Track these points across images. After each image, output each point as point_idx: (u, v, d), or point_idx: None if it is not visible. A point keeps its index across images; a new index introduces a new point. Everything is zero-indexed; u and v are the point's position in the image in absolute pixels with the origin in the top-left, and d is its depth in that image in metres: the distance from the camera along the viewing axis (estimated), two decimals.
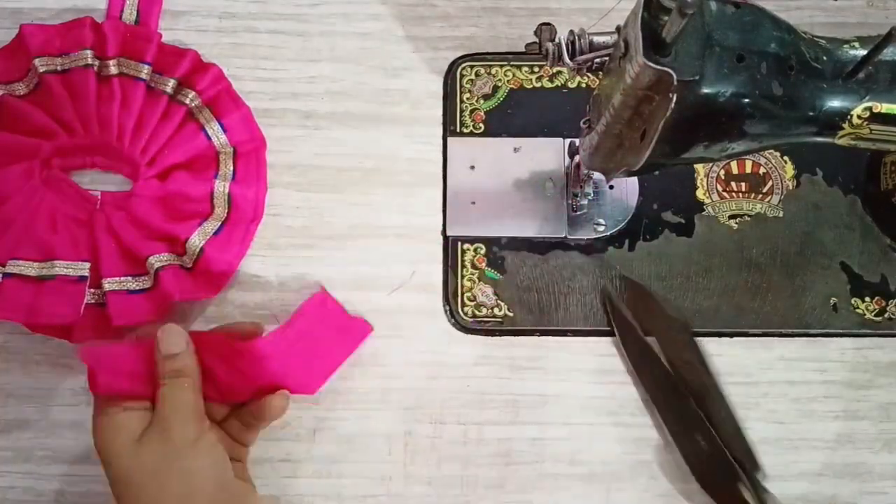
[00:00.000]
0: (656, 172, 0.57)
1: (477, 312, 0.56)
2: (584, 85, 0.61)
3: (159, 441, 0.44)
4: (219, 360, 0.48)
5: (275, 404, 0.49)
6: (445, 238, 0.58)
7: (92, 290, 0.53)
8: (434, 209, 0.58)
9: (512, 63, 0.62)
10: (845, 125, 0.44)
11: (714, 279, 0.57)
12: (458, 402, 0.54)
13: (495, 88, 0.61)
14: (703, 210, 0.59)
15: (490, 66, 0.61)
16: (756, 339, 0.56)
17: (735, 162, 0.60)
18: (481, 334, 0.56)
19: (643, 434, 0.54)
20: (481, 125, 0.60)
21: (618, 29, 0.42)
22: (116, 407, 0.45)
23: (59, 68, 0.58)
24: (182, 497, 0.43)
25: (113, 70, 0.58)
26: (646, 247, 0.58)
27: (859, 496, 0.53)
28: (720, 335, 0.56)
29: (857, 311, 0.56)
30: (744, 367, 0.56)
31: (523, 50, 0.49)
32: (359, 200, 0.59)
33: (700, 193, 0.59)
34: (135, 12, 0.61)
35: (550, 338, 0.56)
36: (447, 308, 0.56)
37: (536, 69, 0.61)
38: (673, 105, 0.39)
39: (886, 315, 0.56)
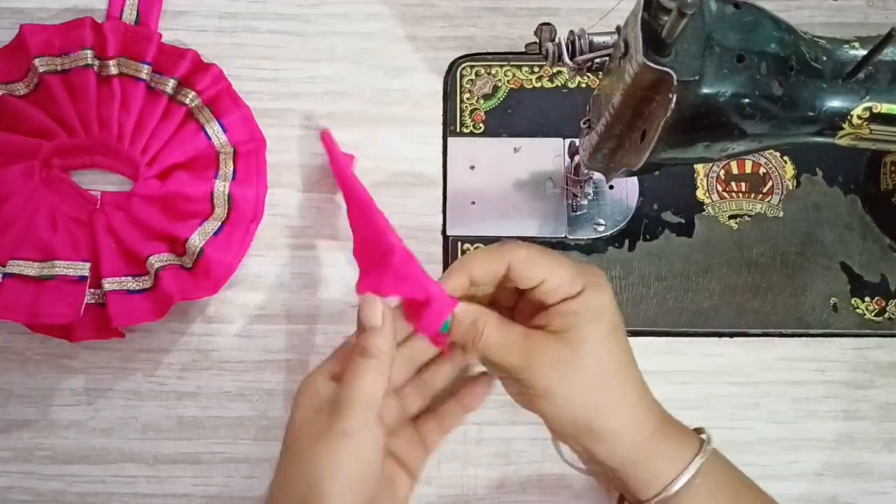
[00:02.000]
0: (656, 172, 0.57)
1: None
2: (584, 85, 0.61)
3: (325, 420, 0.41)
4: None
5: (478, 390, 0.47)
6: (445, 238, 0.58)
7: (92, 290, 0.53)
8: (434, 209, 0.58)
9: (512, 63, 0.62)
10: (845, 125, 0.44)
11: (714, 279, 0.57)
12: None
13: (495, 88, 0.61)
14: (703, 210, 0.59)
15: (490, 66, 0.61)
16: (756, 339, 0.56)
17: (735, 162, 0.60)
18: None
19: None
20: (481, 125, 0.60)
21: (618, 29, 0.42)
22: (321, 371, 0.43)
23: (59, 68, 0.58)
24: (308, 483, 0.40)
25: (113, 70, 0.58)
26: (646, 247, 0.58)
27: (859, 496, 0.53)
28: (720, 335, 0.56)
29: (857, 311, 0.56)
30: (744, 367, 0.56)
31: (523, 50, 0.49)
32: None
33: (700, 193, 0.59)
34: (135, 12, 0.61)
35: None
36: None
37: (536, 69, 0.61)
38: (673, 105, 0.39)
39: (886, 315, 0.56)
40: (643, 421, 0.43)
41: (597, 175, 0.56)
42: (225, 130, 0.58)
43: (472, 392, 0.48)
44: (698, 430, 0.45)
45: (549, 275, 0.43)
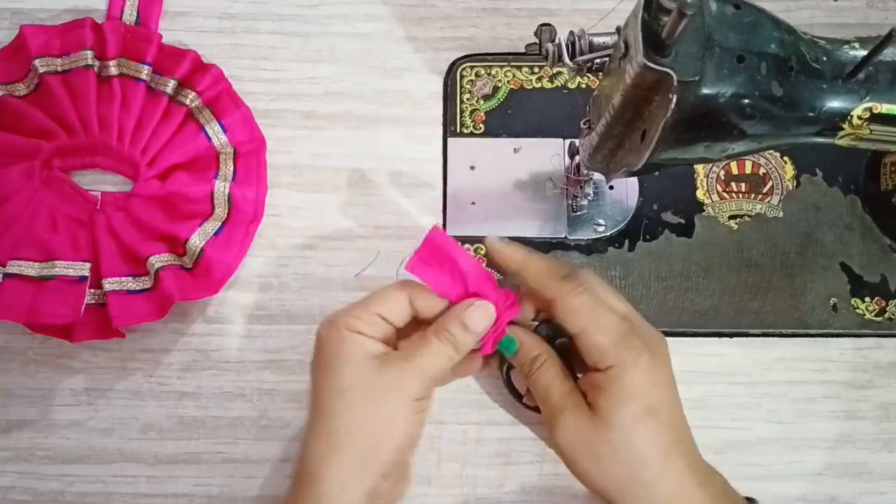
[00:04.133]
0: (656, 173, 0.57)
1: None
2: (584, 85, 0.61)
3: (394, 376, 0.42)
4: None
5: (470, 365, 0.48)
6: None
7: (92, 291, 0.53)
8: (434, 209, 0.59)
9: (512, 63, 0.62)
10: (845, 125, 0.44)
11: (714, 279, 0.57)
12: (458, 402, 0.54)
13: (495, 89, 0.61)
14: (703, 210, 0.59)
15: (490, 66, 0.61)
16: (756, 339, 0.56)
17: (735, 162, 0.60)
18: None
19: None
20: (481, 125, 0.60)
21: (618, 29, 0.42)
22: (356, 324, 0.43)
23: (59, 69, 0.58)
24: (371, 433, 0.42)
25: (113, 70, 0.58)
26: (646, 247, 0.58)
27: (859, 496, 0.53)
28: (720, 335, 0.56)
29: (857, 311, 0.56)
30: (744, 367, 0.56)
31: (523, 50, 0.49)
32: (359, 200, 0.59)
33: (700, 194, 0.59)
34: (135, 13, 0.61)
35: None
36: None
37: (536, 70, 0.61)
38: (673, 105, 0.39)
39: (886, 315, 0.56)
40: None
41: (597, 175, 0.56)
42: (225, 131, 0.58)
43: (466, 364, 0.48)
44: (749, 500, 0.45)
45: (586, 330, 0.43)
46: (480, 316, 0.45)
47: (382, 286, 0.46)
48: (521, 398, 0.51)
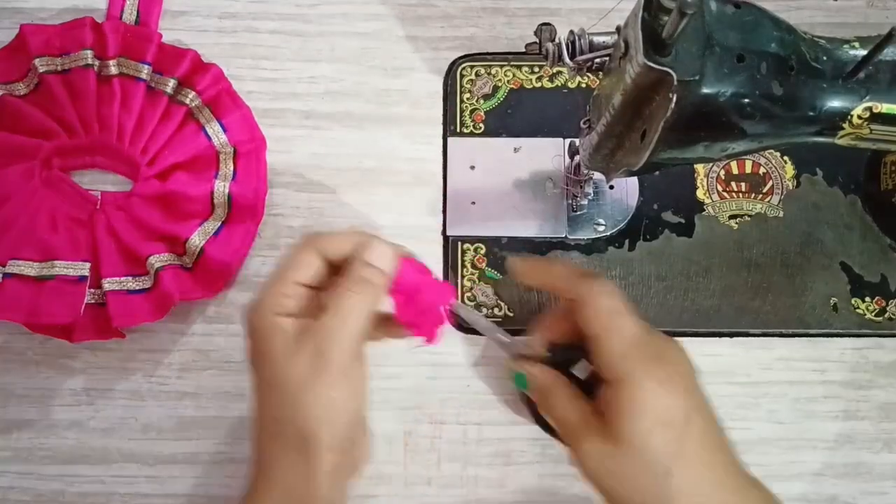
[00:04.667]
0: (656, 172, 0.57)
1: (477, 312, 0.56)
2: (584, 85, 0.61)
3: (313, 353, 0.40)
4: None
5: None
6: (445, 238, 0.58)
7: (92, 290, 0.53)
8: (434, 209, 0.58)
9: (512, 63, 0.62)
10: (845, 125, 0.44)
11: (714, 279, 0.57)
12: (458, 402, 0.54)
13: (495, 88, 0.61)
14: (704, 210, 0.59)
15: (490, 66, 0.61)
16: (756, 339, 0.56)
17: (735, 162, 0.60)
18: (481, 334, 0.56)
19: None
20: (481, 125, 0.60)
21: (618, 29, 0.42)
22: (278, 304, 0.41)
23: (59, 68, 0.58)
24: (316, 422, 0.40)
25: (113, 70, 0.58)
26: (646, 247, 0.58)
27: (859, 496, 0.53)
28: (720, 335, 0.56)
29: (857, 311, 0.56)
30: (744, 367, 0.56)
31: (523, 50, 0.49)
32: (359, 200, 0.59)
33: (700, 193, 0.59)
34: (135, 12, 0.61)
35: None
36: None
37: (536, 69, 0.61)
38: (673, 105, 0.39)
39: (886, 315, 0.56)
40: None
41: (597, 175, 0.56)
42: (225, 130, 0.58)
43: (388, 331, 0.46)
44: None
45: (603, 334, 0.43)
46: (380, 252, 0.42)
47: (292, 249, 0.43)
48: (554, 433, 0.49)
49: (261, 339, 0.41)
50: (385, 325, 0.45)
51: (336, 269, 0.43)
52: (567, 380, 0.46)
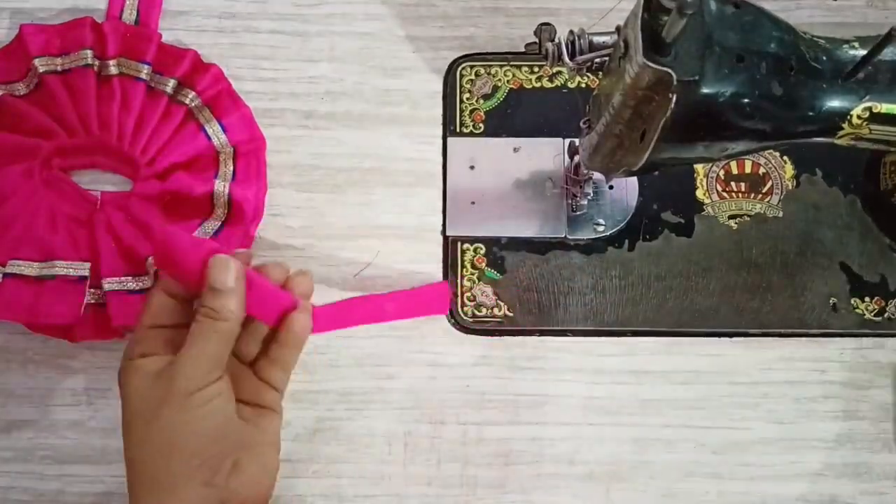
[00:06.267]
0: (656, 172, 0.57)
1: (477, 312, 0.56)
2: (584, 85, 0.61)
3: (165, 385, 0.41)
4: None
5: (296, 324, 0.44)
6: (445, 238, 0.58)
7: (92, 290, 0.53)
8: (434, 209, 0.59)
9: (512, 63, 0.62)
10: (845, 125, 0.44)
11: (714, 279, 0.57)
12: (458, 402, 0.54)
13: (495, 88, 0.61)
14: (703, 210, 0.59)
15: (490, 66, 0.61)
16: (756, 339, 0.56)
17: (735, 162, 0.60)
18: (481, 334, 0.56)
19: (643, 434, 0.54)
20: (481, 125, 0.60)
21: (618, 29, 0.42)
22: (137, 349, 0.42)
23: (59, 68, 0.58)
24: (163, 451, 0.41)
25: (113, 70, 0.58)
26: (646, 247, 0.58)
27: (859, 496, 0.53)
28: (720, 335, 0.56)
29: (857, 311, 0.56)
30: (744, 367, 0.56)
31: (523, 50, 0.49)
32: (359, 200, 0.59)
33: (700, 193, 0.59)
34: (135, 12, 0.61)
35: (550, 338, 0.56)
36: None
37: (536, 69, 0.61)
38: (673, 105, 0.39)
39: (886, 315, 0.56)
40: None
41: (597, 175, 0.56)
42: (225, 130, 0.58)
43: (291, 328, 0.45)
44: None
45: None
46: (219, 269, 0.42)
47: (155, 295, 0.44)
48: None
49: (121, 384, 0.43)
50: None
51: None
52: None
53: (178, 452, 0.41)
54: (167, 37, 0.60)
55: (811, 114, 0.43)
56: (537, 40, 0.46)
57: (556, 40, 0.45)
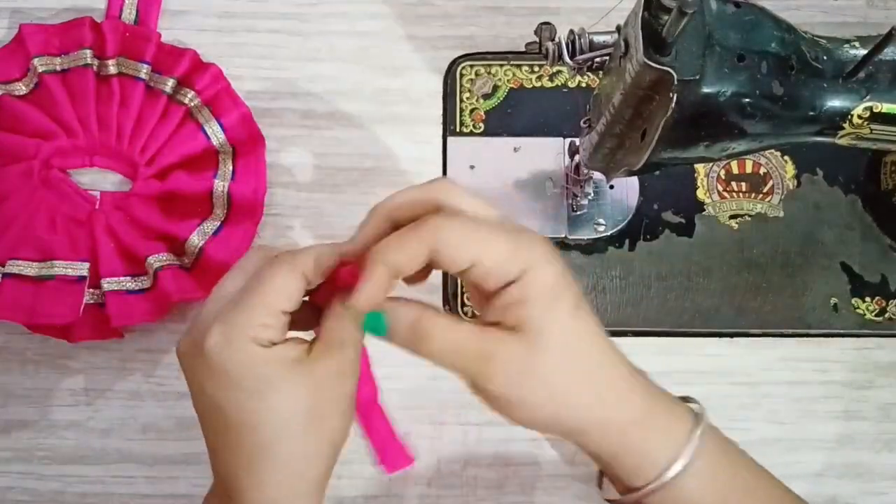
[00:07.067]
0: (656, 172, 0.57)
1: (477, 313, 0.56)
2: (584, 85, 0.61)
3: (325, 379, 0.36)
4: None
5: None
6: None
7: (91, 290, 0.53)
8: None
9: (512, 63, 0.61)
10: (846, 125, 0.44)
11: (714, 279, 0.57)
12: (458, 403, 0.54)
13: (495, 88, 0.61)
14: (704, 210, 0.58)
15: (490, 65, 0.61)
16: (756, 339, 0.56)
17: (735, 162, 0.59)
18: None
19: None
20: (481, 125, 0.60)
21: (618, 28, 0.42)
22: (265, 334, 0.35)
23: (58, 68, 0.58)
24: (311, 460, 0.38)
25: (112, 70, 0.58)
26: (646, 247, 0.58)
27: (859, 496, 0.53)
28: (720, 335, 0.56)
29: (858, 311, 0.56)
30: (744, 367, 0.55)
31: (523, 49, 0.49)
32: (359, 200, 0.59)
33: (700, 193, 0.59)
34: (134, 12, 0.61)
35: None
36: (447, 308, 0.56)
37: (536, 69, 0.61)
38: (673, 105, 0.39)
39: (886, 315, 0.56)
40: (630, 403, 0.37)
41: (597, 175, 0.56)
42: (224, 130, 0.58)
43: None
44: (685, 399, 0.40)
45: (479, 256, 0.35)
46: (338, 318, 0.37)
47: (264, 270, 0.36)
48: None
49: (250, 372, 0.35)
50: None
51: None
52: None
53: (325, 460, 0.38)
54: (166, 36, 0.60)
55: (812, 113, 0.43)
56: (538, 40, 0.46)
57: (557, 40, 0.45)
